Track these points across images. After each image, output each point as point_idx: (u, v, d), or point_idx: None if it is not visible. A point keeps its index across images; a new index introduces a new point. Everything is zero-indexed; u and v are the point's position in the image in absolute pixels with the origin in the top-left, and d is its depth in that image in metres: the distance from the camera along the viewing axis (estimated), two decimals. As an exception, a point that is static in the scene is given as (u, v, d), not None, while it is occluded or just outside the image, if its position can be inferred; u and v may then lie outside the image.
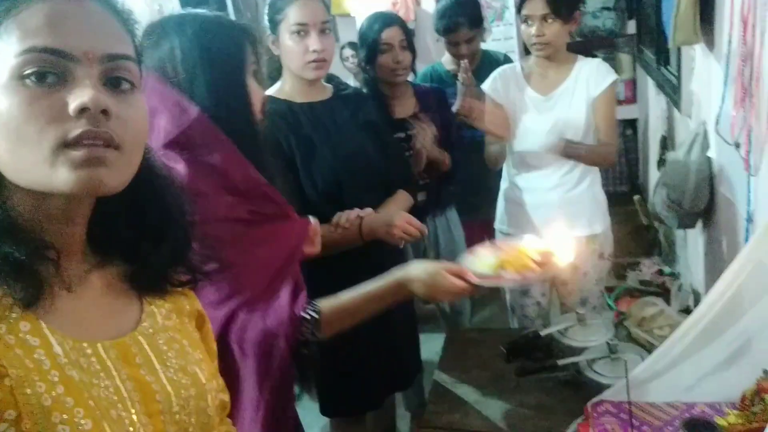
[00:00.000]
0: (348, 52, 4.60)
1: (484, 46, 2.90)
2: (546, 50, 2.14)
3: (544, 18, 2.08)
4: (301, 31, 1.68)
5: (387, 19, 2.30)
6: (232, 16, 4.97)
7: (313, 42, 1.69)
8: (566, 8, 2.08)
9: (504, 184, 2.43)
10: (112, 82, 0.69)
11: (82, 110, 0.64)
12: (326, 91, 1.86)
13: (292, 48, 1.71)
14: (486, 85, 2.31)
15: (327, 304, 1.29)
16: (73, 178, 0.64)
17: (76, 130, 0.64)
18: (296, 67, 1.74)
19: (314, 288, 1.55)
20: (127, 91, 0.70)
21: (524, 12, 2.12)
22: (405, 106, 2.34)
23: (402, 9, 4.64)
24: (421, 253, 2.48)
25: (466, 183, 2.37)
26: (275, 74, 1.85)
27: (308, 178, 1.74)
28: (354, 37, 3.63)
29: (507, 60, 2.79)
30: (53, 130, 0.63)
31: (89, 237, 0.77)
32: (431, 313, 3.00)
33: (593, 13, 3.90)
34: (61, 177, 0.64)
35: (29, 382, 0.62)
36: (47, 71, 0.64)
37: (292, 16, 1.69)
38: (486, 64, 2.70)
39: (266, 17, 1.77)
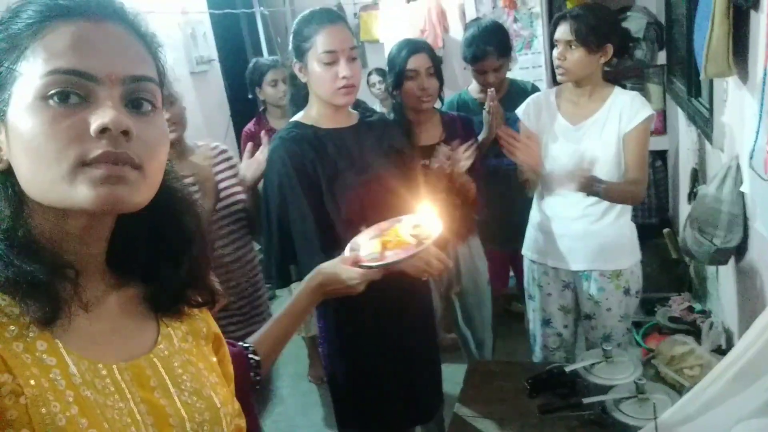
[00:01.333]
0: (375, 78, 4.63)
1: (511, 74, 2.89)
2: (567, 76, 2.14)
3: (568, 44, 2.09)
4: (331, 58, 1.69)
5: (414, 47, 2.31)
6: (263, 42, 5.05)
7: (343, 69, 1.69)
8: (593, 38, 2.07)
9: (533, 210, 2.40)
10: (134, 104, 0.70)
11: (103, 131, 0.65)
12: (352, 117, 1.86)
13: (321, 75, 1.72)
14: (519, 111, 2.30)
15: (256, 340, 1.29)
16: (93, 194, 0.65)
17: (96, 150, 0.65)
18: (325, 94, 1.74)
19: (335, 316, 1.54)
20: (148, 112, 0.71)
21: (555, 35, 2.14)
22: (431, 133, 2.33)
23: (430, 36, 4.67)
24: (443, 284, 2.44)
25: (489, 211, 2.34)
26: (300, 101, 1.85)
27: (332, 202, 1.73)
28: (382, 63, 3.66)
29: (534, 89, 2.77)
30: (74, 149, 0.64)
31: (108, 258, 0.77)
32: (453, 343, 2.95)
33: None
34: (81, 194, 0.65)
35: (44, 401, 0.62)
36: (70, 92, 0.65)
37: (320, 44, 1.70)
38: (513, 92, 2.69)
39: (291, 44, 1.78)
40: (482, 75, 2.61)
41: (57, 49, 0.65)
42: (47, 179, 0.65)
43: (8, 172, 0.67)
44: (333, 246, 1.65)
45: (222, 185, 2.03)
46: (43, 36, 0.66)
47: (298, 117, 1.83)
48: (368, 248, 1.41)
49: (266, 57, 3.76)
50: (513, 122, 2.32)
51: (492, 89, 2.31)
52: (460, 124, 2.37)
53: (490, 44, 2.55)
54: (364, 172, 1.77)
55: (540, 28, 3.84)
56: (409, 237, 1.42)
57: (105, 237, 0.75)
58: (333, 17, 1.73)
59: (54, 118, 0.64)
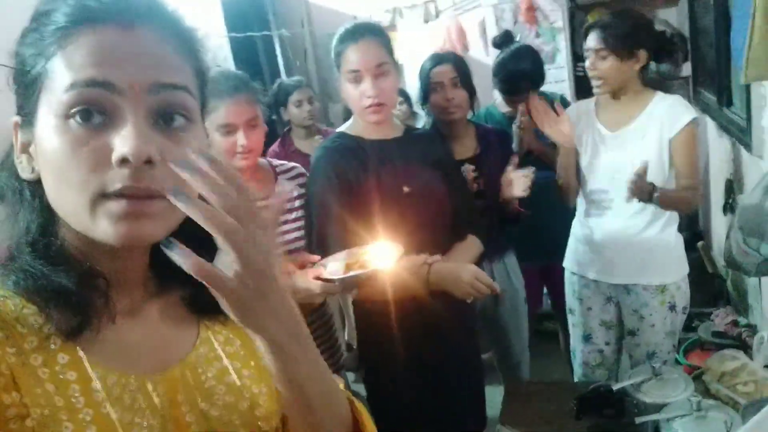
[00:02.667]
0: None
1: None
2: (602, 87, 2.10)
3: (597, 52, 2.05)
4: (355, 77, 1.67)
5: (438, 58, 2.29)
6: (281, 65, 5.06)
7: (367, 88, 1.67)
8: (623, 44, 2.03)
9: (575, 221, 2.34)
10: (165, 118, 0.64)
11: (124, 161, 0.60)
12: (397, 129, 1.83)
13: (350, 93, 1.71)
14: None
15: None
16: (113, 231, 0.61)
17: (116, 184, 0.60)
18: (356, 111, 1.75)
19: (375, 334, 1.48)
20: (180, 127, 0.65)
21: (585, 45, 2.11)
22: (465, 147, 2.28)
23: (449, 55, 4.64)
24: (481, 304, 2.37)
25: (525, 226, 2.27)
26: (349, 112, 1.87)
27: (375, 214, 1.68)
28: (402, 84, 3.64)
29: (564, 101, 2.72)
30: (95, 179, 0.60)
31: (153, 263, 0.73)
32: (488, 363, 2.87)
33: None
34: (100, 228, 0.61)
35: (55, 422, 0.58)
36: (93, 110, 0.61)
37: (346, 62, 1.68)
38: None
39: (333, 62, 1.77)
40: (513, 103, 2.55)
41: (78, 60, 0.61)
42: (70, 206, 0.62)
43: (38, 183, 0.65)
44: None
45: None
46: (68, 44, 0.61)
47: (343, 128, 1.82)
48: (333, 267, 1.49)
49: (290, 78, 3.75)
50: (543, 135, 2.27)
51: (522, 104, 2.28)
52: (495, 137, 2.32)
53: (525, 79, 2.44)
54: (408, 186, 1.73)
55: (562, 42, 3.81)
56: (372, 261, 1.49)
57: (144, 251, 0.70)
58: (360, 33, 1.70)
59: (76, 141, 0.60)
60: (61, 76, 0.61)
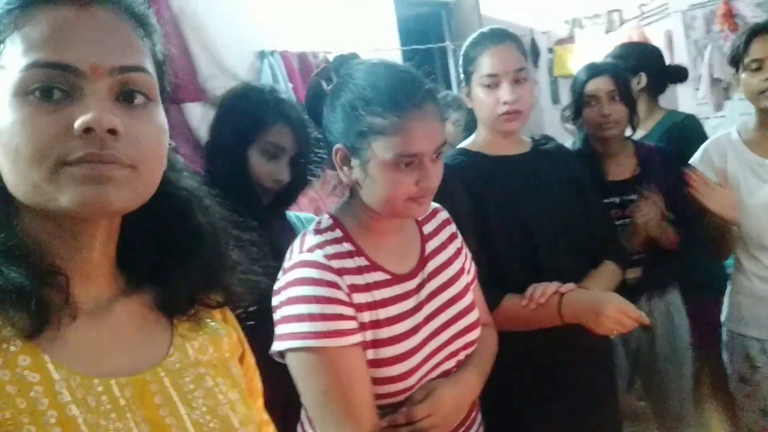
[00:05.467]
0: (569, 113, 4.35)
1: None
2: None
3: None
4: (492, 81, 1.56)
5: (595, 69, 2.09)
6: (452, 77, 5.03)
7: (505, 93, 1.55)
8: None
9: (735, 274, 1.99)
10: (126, 96, 0.64)
11: (87, 130, 0.59)
12: (524, 145, 1.69)
13: (483, 100, 1.59)
14: (696, 160, 1.97)
15: None
16: (77, 195, 0.59)
17: (79, 151, 0.59)
18: (488, 120, 1.62)
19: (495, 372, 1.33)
20: (141, 105, 0.65)
21: (754, 56, 1.80)
22: (623, 167, 2.05)
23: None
24: (633, 340, 2.10)
25: (691, 257, 1.97)
26: (471, 126, 1.73)
27: (500, 236, 1.55)
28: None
29: (693, 120, 2.44)
30: (56, 148, 0.59)
31: (121, 262, 0.72)
32: (643, 412, 2.55)
33: None
34: (64, 196, 0.59)
35: (16, 425, 0.57)
36: (53, 87, 0.60)
37: (483, 66, 1.58)
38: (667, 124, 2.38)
39: (460, 68, 1.68)
40: None
41: (36, 39, 0.60)
42: (29, 181, 0.60)
43: None
44: (499, 285, 1.49)
45: None
46: (23, 25, 0.60)
47: (465, 144, 1.70)
48: None
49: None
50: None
51: None
52: (660, 156, 2.06)
53: None
54: (537, 204, 1.58)
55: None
56: None
57: (107, 240, 0.69)
58: (500, 37, 1.60)
59: (35, 114, 0.59)
60: (18, 56, 0.60)
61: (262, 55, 3.59)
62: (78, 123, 0.58)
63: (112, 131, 0.60)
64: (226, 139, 1.53)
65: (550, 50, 5.27)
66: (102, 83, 0.61)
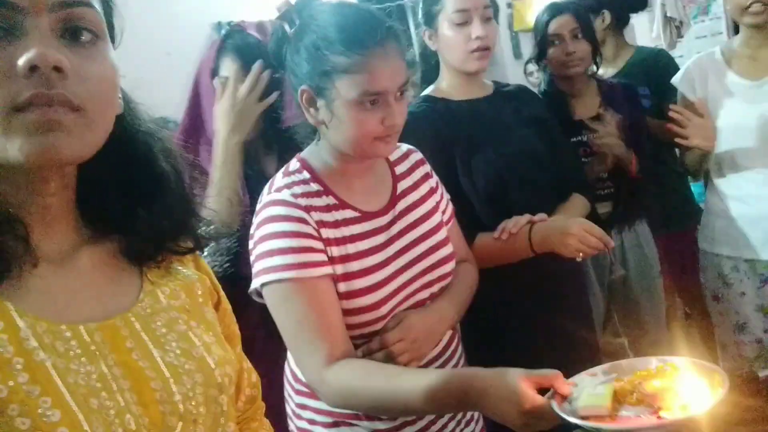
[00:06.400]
0: (532, 67, 4.37)
1: (686, 43, 2.55)
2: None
3: None
4: (463, 18, 1.56)
5: (556, 9, 2.11)
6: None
7: (476, 29, 1.56)
8: None
9: (709, 194, 2.05)
10: (71, 34, 0.61)
11: (32, 69, 0.56)
12: (487, 88, 1.71)
13: (452, 38, 1.59)
14: (677, 80, 2.00)
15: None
16: (26, 147, 0.57)
17: (26, 92, 0.57)
18: (457, 59, 1.61)
19: (477, 307, 1.35)
20: (89, 42, 0.62)
21: None
22: (587, 105, 2.09)
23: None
24: (607, 271, 2.15)
25: (658, 190, 2.02)
26: (431, 77, 1.72)
27: (469, 179, 1.58)
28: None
29: (664, 54, 2.51)
30: (2, 93, 0.57)
31: (83, 209, 0.70)
32: (620, 348, 2.62)
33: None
34: (15, 146, 0.57)
35: None
36: None
37: (450, 4, 1.58)
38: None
39: (420, 11, 1.67)
40: None
41: None
42: None
43: None
44: (472, 227, 1.50)
45: None
46: None
47: (428, 91, 1.70)
48: (592, 394, 0.88)
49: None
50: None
51: None
52: (622, 92, 2.10)
53: None
54: (503, 146, 1.60)
55: (718, -11, 3.38)
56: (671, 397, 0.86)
57: (62, 186, 0.67)
58: None
59: None
60: None
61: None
62: (22, 61, 0.56)
63: (58, 69, 0.57)
64: None
65: (509, 5, 5.25)
66: (43, 19, 0.59)
